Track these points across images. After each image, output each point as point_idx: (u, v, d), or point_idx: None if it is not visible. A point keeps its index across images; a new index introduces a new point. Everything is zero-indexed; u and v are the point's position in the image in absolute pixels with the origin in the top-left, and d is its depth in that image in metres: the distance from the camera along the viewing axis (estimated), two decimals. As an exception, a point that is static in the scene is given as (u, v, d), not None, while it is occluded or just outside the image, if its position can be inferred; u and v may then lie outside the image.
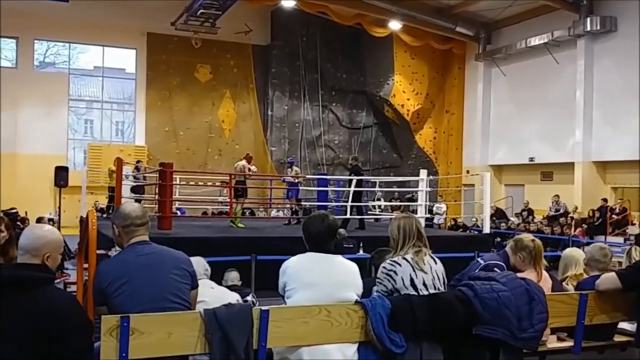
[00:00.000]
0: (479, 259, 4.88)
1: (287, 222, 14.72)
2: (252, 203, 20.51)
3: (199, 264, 4.68)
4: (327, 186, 18.00)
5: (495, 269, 4.50)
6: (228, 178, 14.18)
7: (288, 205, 15.29)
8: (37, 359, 2.69)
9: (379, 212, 18.70)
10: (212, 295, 4.21)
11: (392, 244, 3.87)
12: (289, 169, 14.96)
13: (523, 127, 22.38)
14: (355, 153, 26.11)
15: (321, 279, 3.57)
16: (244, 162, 13.82)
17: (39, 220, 14.08)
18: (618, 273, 4.29)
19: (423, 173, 15.71)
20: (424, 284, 3.66)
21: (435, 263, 3.81)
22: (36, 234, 2.95)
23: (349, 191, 14.01)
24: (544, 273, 4.45)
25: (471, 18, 23.54)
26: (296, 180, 14.97)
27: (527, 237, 4.49)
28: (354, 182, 13.95)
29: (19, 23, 21.24)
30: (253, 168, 14.25)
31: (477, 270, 4.52)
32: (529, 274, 4.18)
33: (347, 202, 14.01)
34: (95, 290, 3.26)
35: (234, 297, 4.41)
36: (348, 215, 13.66)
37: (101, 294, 3.22)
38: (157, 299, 3.19)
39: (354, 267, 3.78)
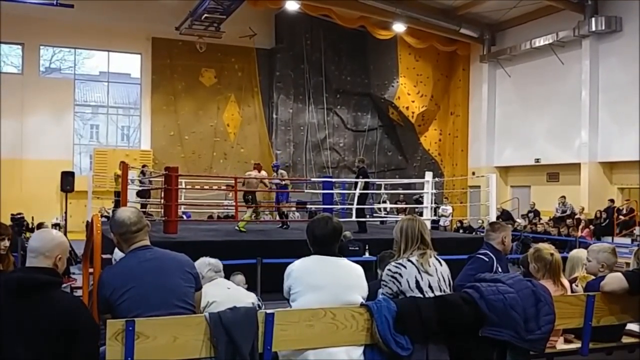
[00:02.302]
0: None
1: (280, 225, 14.77)
2: (257, 206, 20.52)
3: (203, 264, 4.67)
4: (332, 189, 17.97)
5: (481, 256, 4.66)
6: (233, 181, 14.20)
7: (281, 210, 15.30)
8: None
9: (385, 214, 18.68)
10: (227, 295, 4.18)
11: (395, 246, 3.87)
12: (274, 174, 15.02)
13: (529, 128, 22.34)
14: (360, 155, 26.09)
15: (326, 282, 3.57)
16: (254, 172, 13.93)
17: (40, 226, 14.17)
18: (625, 274, 4.25)
19: (428, 175, 15.70)
20: (430, 286, 3.65)
21: (441, 265, 3.80)
22: (48, 237, 3.05)
23: (354, 193, 14.00)
24: (566, 285, 4.43)
25: (475, 19, 23.52)
26: (283, 183, 14.97)
27: (547, 248, 4.44)
28: (360, 184, 13.93)
29: (24, 29, 21.36)
30: (263, 173, 14.31)
31: (468, 266, 4.62)
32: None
33: (352, 204, 13.99)
34: (100, 299, 3.27)
35: (249, 300, 4.38)
36: (354, 218, 13.65)
37: (105, 302, 3.22)
38: (163, 304, 3.19)
39: (359, 269, 3.78)
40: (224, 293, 4.23)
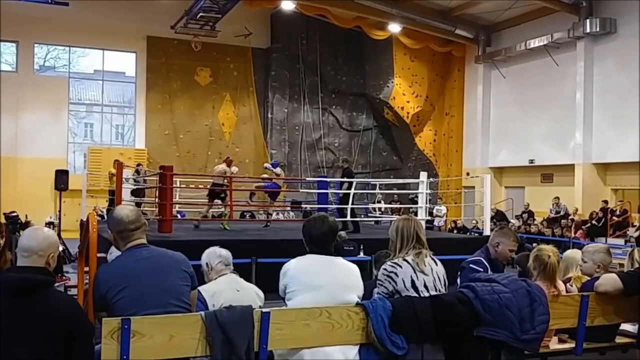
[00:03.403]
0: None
1: (265, 224, 14.84)
2: (252, 206, 20.49)
3: (213, 255, 4.44)
4: (327, 189, 17.96)
5: (474, 266, 4.57)
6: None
7: (271, 209, 15.32)
8: None
9: (379, 214, 18.69)
10: (236, 300, 3.92)
11: (391, 246, 3.87)
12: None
13: (523, 129, 22.39)
14: (355, 156, 26.15)
15: (323, 281, 3.58)
16: (223, 165, 13.78)
17: (27, 224, 14.14)
18: (620, 276, 4.26)
19: (423, 175, 15.70)
20: (425, 286, 3.66)
21: (436, 265, 3.81)
22: (41, 235, 3.02)
23: (344, 194, 14.14)
24: (561, 288, 4.43)
25: (471, 20, 23.56)
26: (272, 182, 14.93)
27: (547, 250, 4.41)
28: (346, 184, 14.09)
29: (19, 27, 21.25)
30: (234, 169, 14.20)
31: (461, 273, 4.58)
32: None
33: (347, 205, 14.03)
34: (96, 297, 3.27)
35: (258, 302, 4.19)
36: (348, 218, 13.68)
37: (102, 300, 3.22)
38: (160, 303, 3.19)
39: (355, 268, 3.78)
40: (233, 296, 4.04)
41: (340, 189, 14.42)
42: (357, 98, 26.49)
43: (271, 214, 15.26)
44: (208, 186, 15.40)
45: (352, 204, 14.21)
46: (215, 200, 14.04)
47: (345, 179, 14.31)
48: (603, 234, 17.71)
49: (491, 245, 4.72)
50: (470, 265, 4.63)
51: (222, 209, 14.59)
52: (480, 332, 3.65)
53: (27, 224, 14.78)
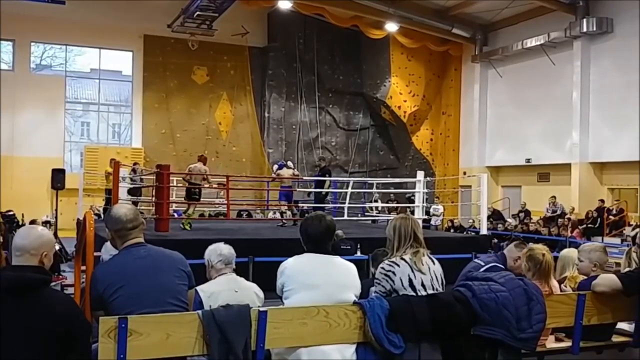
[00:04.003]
0: (476, 260, 4.91)
1: (281, 223, 14.83)
2: (248, 205, 20.51)
3: (214, 252, 4.30)
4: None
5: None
6: (225, 180, 14.19)
7: (283, 208, 15.28)
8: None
9: (376, 213, 18.70)
10: (231, 301, 3.72)
11: (388, 245, 3.87)
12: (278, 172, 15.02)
13: (520, 128, 22.41)
14: (352, 155, 26.19)
15: (320, 280, 3.58)
16: (199, 164, 13.40)
17: (32, 222, 14.10)
18: (619, 276, 4.26)
19: (420, 174, 15.71)
20: (423, 285, 3.65)
21: (434, 264, 3.80)
22: (34, 234, 2.99)
23: (346, 192, 14.22)
24: (555, 287, 4.43)
25: (468, 20, 23.58)
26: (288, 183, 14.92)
27: (540, 249, 4.43)
28: (328, 183, 14.22)
29: (15, 25, 21.19)
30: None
31: (480, 271, 4.55)
32: None
33: (344, 203, 14.10)
34: (93, 296, 3.26)
35: (257, 303, 4.05)
36: (345, 217, 13.72)
37: (99, 298, 3.22)
38: (157, 302, 3.19)
39: (352, 268, 3.78)
40: (231, 298, 3.90)
41: (322, 187, 14.46)
42: (354, 97, 26.50)
43: (285, 213, 15.14)
44: (214, 185, 15.35)
45: (326, 201, 14.30)
46: (218, 199, 13.91)
47: (325, 177, 14.43)
48: (599, 233, 17.74)
49: (511, 257, 4.72)
50: (495, 266, 4.60)
51: (218, 208, 14.48)
52: (477, 331, 3.66)
53: (32, 223, 14.72)
